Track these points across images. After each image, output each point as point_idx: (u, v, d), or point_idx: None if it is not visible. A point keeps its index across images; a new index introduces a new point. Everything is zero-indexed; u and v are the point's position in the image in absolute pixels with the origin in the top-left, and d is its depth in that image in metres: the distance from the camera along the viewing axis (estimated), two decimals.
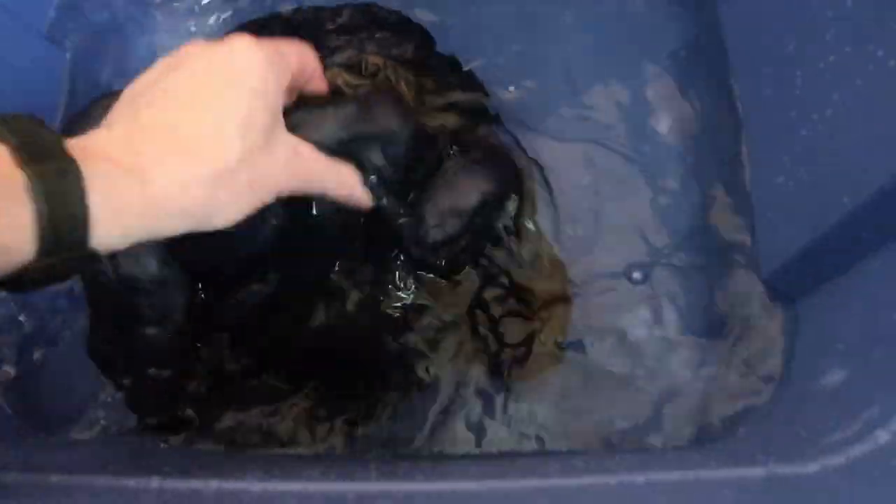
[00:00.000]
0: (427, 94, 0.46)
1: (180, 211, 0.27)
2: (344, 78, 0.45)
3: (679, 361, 0.43)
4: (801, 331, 0.41)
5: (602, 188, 0.47)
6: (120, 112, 0.29)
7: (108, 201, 0.25)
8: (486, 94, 0.48)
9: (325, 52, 0.47)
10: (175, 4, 0.52)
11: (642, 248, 0.46)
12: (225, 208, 0.29)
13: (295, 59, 0.33)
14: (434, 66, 0.48)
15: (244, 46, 0.30)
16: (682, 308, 0.44)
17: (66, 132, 0.41)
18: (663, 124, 0.48)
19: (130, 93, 0.30)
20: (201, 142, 0.28)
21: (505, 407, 0.43)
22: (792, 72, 0.38)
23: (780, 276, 0.41)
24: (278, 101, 0.31)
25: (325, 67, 0.44)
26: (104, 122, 0.29)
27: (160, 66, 0.31)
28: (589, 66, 0.49)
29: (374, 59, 0.46)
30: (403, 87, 0.45)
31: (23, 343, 0.44)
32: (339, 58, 0.47)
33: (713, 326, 0.43)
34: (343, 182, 0.35)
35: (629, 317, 0.44)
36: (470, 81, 0.49)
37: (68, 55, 0.49)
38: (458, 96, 0.47)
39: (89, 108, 0.42)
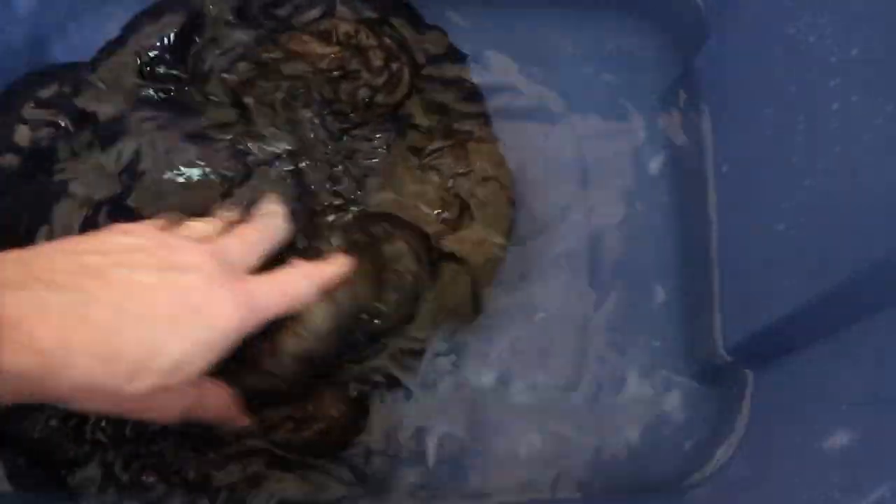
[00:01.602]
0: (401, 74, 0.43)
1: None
2: (314, 48, 0.41)
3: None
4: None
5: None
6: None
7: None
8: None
9: (289, 11, 0.43)
10: None
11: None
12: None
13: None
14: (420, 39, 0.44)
15: (221, 299, 0.29)
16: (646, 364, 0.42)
17: None
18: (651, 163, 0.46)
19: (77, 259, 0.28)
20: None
21: None
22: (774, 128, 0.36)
23: (743, 348, 0.40)
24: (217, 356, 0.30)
25: (292, 31, 0.42)
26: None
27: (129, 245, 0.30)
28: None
29: (344, 26, 0.42)
30: (374, 60, 0.42)
31: None
32: (305, 18, 0.43)
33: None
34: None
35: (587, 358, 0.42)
36: (456, 55, 0.45)
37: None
38: (444, 72, 0.44)
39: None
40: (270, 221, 0.35)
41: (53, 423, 0.36)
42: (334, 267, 0.34)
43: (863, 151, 0.31)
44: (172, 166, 0.39)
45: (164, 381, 0.28)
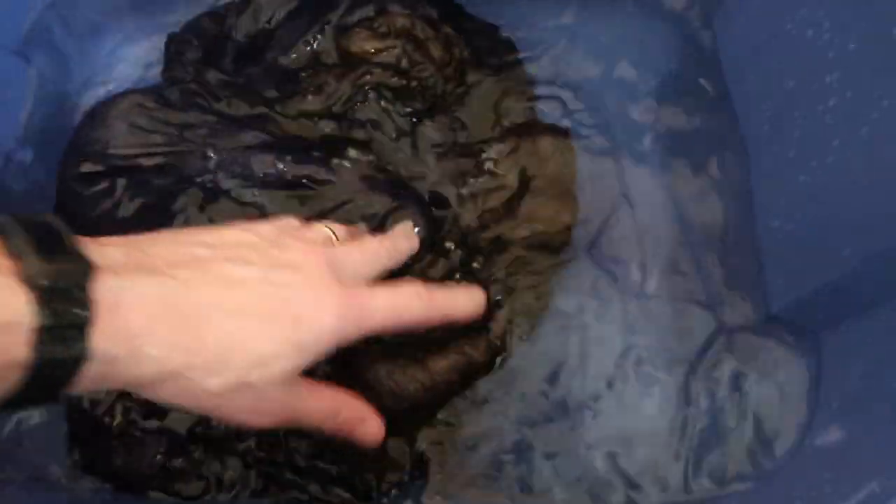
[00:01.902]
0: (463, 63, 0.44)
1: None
2: (371, 44, 0.43)
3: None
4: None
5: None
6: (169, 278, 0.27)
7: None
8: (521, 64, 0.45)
9: (341, 10, 0.44)
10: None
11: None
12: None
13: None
14: (468, 29, 0.46)
15: (321, 302, 0.29)
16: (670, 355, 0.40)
17: (79, 131, 0.42)
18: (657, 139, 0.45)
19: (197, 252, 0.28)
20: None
21: None
22: (790, 111, 0.35)
23: (792, 311, 0.38)
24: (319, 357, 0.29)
25: (344, 30, 0.43)
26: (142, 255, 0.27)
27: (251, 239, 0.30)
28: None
29: (401, 20, 0.43)
30: (434, 51, 0.43)
31: None
32: (359, 15, 0.44)
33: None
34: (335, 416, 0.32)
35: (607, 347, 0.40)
36: (509, 47, 0.46)
37: (34, 69, 0.47)
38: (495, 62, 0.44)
39: (103, 110, 0.42)
40: (401, 242, 0.36)
41: (159, 458, 0.37)
42: (448, 295, 0.34)
43: (858, 149, 0.30)
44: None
45: (246, 380, 0.27)
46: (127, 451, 0.37)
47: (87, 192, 0.41)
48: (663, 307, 0.40)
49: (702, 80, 0.44)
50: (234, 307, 0.27)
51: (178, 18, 0.48)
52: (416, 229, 0.39)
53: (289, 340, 0.27)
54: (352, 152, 0.41)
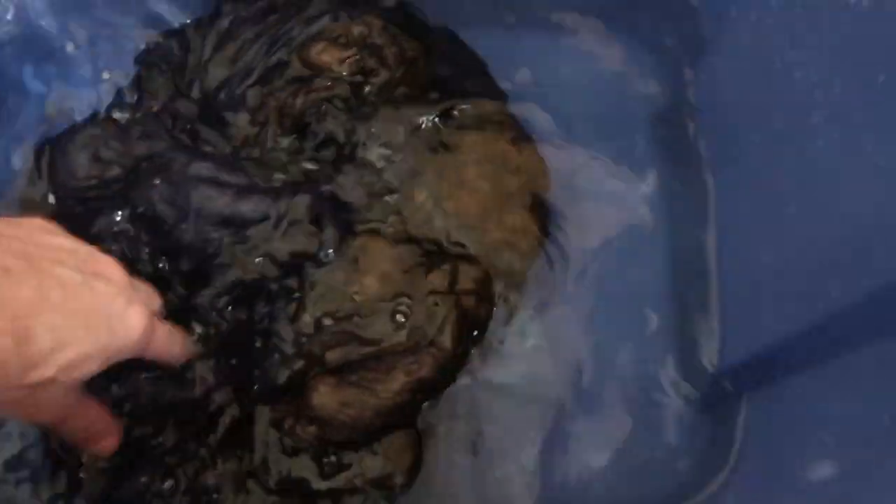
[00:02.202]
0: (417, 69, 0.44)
1: None
2: (331, 54, 0.43)
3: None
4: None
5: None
6: None
7: None
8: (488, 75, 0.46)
9: (300, 23, 0.44)
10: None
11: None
12: None
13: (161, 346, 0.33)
14: (424, 35, 0.46)
15: (133, 315, 0.31)
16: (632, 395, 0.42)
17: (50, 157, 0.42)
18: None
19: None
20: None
21: None
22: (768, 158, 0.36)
23: (738, 371, 0.40)
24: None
25: (306, 42, 0.44)
26: None
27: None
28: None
29: (357, 28, 0.43)
30: (391, 56, 0.43)
31: None
32: (318, 27, 0.44)
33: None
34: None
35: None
36: (471, 57, 0.46)
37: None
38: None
39: (72, 135, 0.42)
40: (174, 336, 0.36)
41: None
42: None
43: (845, 189, 0.31)
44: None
45: (60, 376, 0.28)
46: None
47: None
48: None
49: (677, 120, 0.45)
50: (62, 305, 0.28)
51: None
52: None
53: (102, 346, 0.29)
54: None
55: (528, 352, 0.42)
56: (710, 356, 0.42)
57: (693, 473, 0.40)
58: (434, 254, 0.41)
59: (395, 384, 0.38)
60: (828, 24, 0.31)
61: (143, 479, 0.37)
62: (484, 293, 0.41)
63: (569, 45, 0.48)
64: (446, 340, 0.39)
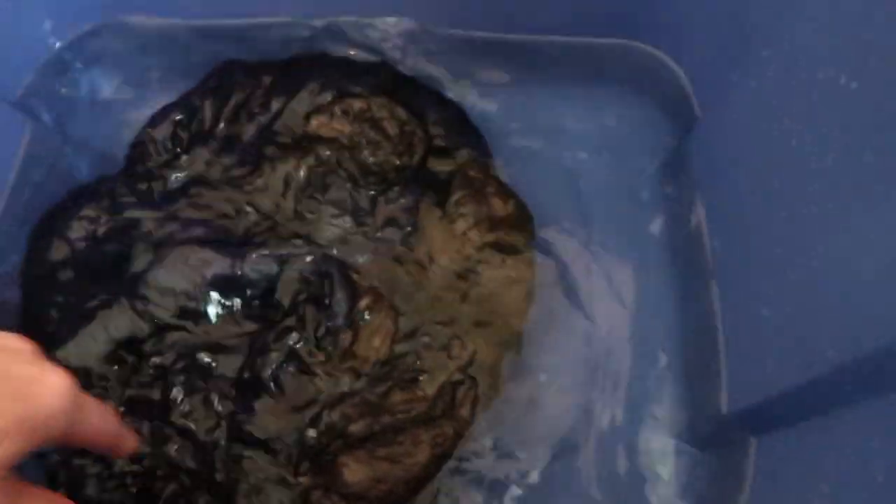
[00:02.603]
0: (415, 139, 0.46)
1: None
2: (333, 126, 0.45)
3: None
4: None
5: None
6: None
7: None
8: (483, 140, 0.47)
9: (304, 96, 0.46)
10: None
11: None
12: None
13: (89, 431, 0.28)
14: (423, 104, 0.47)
15: (56, 373, 0.26)
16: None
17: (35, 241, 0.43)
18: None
19: None
20: None
21: None
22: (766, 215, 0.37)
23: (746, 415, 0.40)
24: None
25: (309, 115, 0.45)
26: None
27: None
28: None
29: (357, 104, 0.45)
30: (390, 128, 0.45)
31: None
32: (320, 101, 0.46)
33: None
34: None
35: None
36: (465, 125, 0.48)
37: (29, 125, 0.47)
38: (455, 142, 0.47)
39: (59, 223, 0.43)
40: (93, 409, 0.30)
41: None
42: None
43: (837, 257, 0.32)
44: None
45: None
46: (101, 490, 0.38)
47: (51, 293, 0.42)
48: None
49: (674, 180, 0.46)
50: None
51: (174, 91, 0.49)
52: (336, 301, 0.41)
53: (19, 417, 0.24)
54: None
55: (532, 388, 0.44)
56: (716, 400, 0.42)
57: None
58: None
59: (422, 457, 0.39)
60: (819, 101, 0.32)
61: None
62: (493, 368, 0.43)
63: (566, 103, 0.50)
64: (465, 412, 0.41)
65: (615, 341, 0.45)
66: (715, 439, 0.42)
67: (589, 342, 0.45)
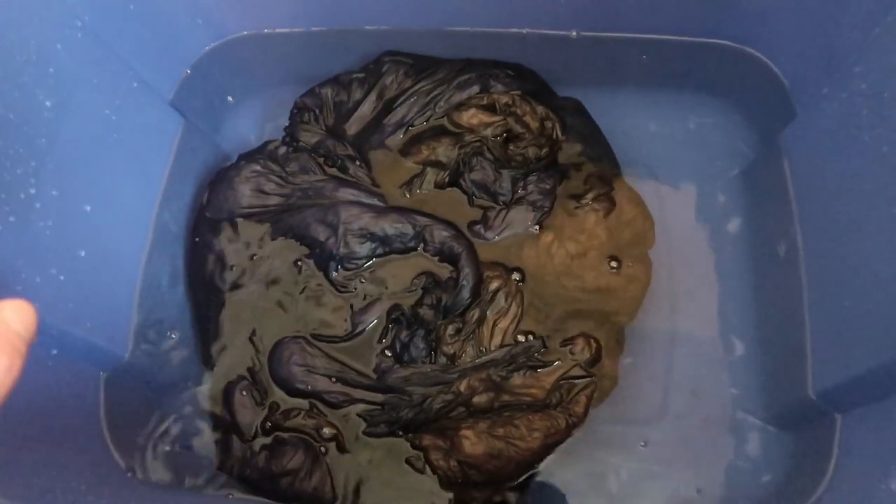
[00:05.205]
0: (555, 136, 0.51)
1: None
2: (480, 118, 0.50)
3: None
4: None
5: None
6: None
7: None
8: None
9: (452, 89, 0.52)
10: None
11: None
12: None
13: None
14: (559, 106, 0.53)
15: None
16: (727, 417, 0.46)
17: (211, 193, 0.50)
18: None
19: None
20: None
21: None
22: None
23: (831, 395, 0.42)
24: None
25: (458, 106, 0.51)
26: None
27: None
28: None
29: (503, 98, 0.51)
30: (532, 123, 0.50)
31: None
32: (468, 93, 0.52)
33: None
34: None
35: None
36: (592, 127, 0.53)
37: (182, 121, 0.53)
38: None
39: (230, 175, 0.49)
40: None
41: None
42: None
43: None
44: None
45: None
46: (270, 456, 0.44)
47: (218, 247, 0.49)
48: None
49: (770, 176, 0.50)
50: None
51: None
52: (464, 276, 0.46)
53: None
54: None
55: (619, 370, 0.47)
56: (802, 380, 0.45)
57: (784, 491, 0.44)
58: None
59: (535, 443, 0.43)
60: None
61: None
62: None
63: (649, 105, 0.55)
64: (580, 408, 0.44)
65: (699, 327, 0.48)
66: (800, 418, 0.45)
67: (674, 328, 0.48)
